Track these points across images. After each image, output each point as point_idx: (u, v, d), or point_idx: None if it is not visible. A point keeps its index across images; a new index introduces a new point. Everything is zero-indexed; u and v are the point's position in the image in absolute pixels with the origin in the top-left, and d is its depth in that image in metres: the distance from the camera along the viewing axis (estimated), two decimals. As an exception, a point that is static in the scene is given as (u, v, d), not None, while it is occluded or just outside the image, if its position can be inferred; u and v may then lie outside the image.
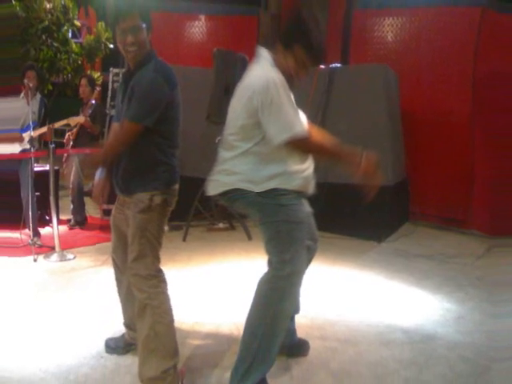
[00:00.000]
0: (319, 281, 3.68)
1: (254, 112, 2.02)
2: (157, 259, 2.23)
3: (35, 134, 4.51)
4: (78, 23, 8.28)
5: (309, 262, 2.30)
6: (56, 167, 4.96)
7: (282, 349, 2.24)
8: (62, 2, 7.89)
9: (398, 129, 5.84)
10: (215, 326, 2.89)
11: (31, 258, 4.13)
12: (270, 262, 2.11)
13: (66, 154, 5.46)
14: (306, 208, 2.24)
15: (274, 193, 2.06)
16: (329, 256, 4.33)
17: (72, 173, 5.31)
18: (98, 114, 5.38)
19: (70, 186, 5.42)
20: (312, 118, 2.50)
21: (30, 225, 4.48)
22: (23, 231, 4.57)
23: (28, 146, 4.43)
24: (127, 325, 2.57)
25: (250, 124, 2.04)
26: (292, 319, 2.44)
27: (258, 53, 2.18)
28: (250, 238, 4.52)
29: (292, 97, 2.12)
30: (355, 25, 6.74)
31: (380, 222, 5.15)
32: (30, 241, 4.39)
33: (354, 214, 4.96)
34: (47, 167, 4.90)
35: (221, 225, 5.06)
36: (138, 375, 2.18)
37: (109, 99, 6.37)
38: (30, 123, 4.37)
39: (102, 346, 2.60)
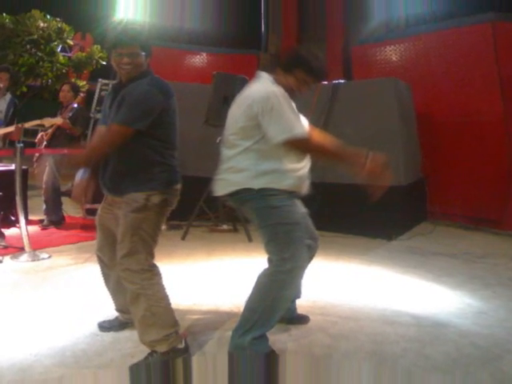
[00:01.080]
0: (322, 274, 4.38)
1: (253, 116, 2.63)
2: (150, 255, 2.74)
3: (0, 132, 5.30)
4: (70, 42, 9.85)
5: (310, 259, 2.98)
6: (24, 167, 5.82)
7: (281, 320, 2.97)
8: (59, 25, 9.41)
9: (412, 132, 7.13)
10: (214, 306, 3.61)
11: None
12: (270, 260, 2.75)
13: (37, 154, 6.35)
14: (301, 209, 2.92)
15: (263, 193, 2.66)
16: (331, 253, 5.09)
17: (45, 172, 6.17)
18: (80, 117, 6.41)
19: (43, 185, 6.27)
20: (314, 123, 3.19)
21: None
22: None
23: None
24: (120, 310, 3.19)
25: (250, 126, 2.65)
26: (293, 301, 3.17)
27: (258, 74, 2.88)
28: (250, 239, 5.36)
29: (293, 105, 2.78)
30: (354, 56, 8.33)
31: (389, 221, 6.09)
32: None
33: (358, 213, 5.88)
34: (12, 166, 5.69)
35: (224, 226, 6.01)
36: (139, 341, 2.76)
37: (94, 104, 7.66)
38: None
39: (94, 328, 3.19)
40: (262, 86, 2.71)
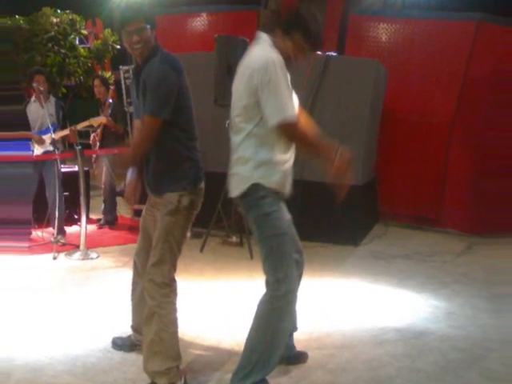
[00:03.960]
0: (311, 295, 3.11)
1: (254, 90, 1.75)
2: (173, 268, 1.94)
3: (57, 136, 3.99)
4: (85, 32, 7.52)
5: (299, 277, 2.00)
6: (86, 168, 4.45)
7: (281, 360, 1.94)
8: (70, 17, 7.21)
9: (375, 128, 5.01)
10: (217, 341, 2.48)
11: (52, 255, 3.65)
12: (267, 283, 1.86)
13: (94, 155, 4.85)
14: (286, 215, 1.90)
15: (256, 195, 1.77)
16: (315, 268, 3.68)
17: (103, 173, 4.72)
18: (118, 113, 4.69)
19: (102, 186, 4.72)
20: (303, 101, 2.18)
21: (56, 223, 3.87)
22: (47, 229, 4.10)
23: (51, 148, 3.91)
24: (134, 328, 2.23)
25: (251, 104, 1.77)
26: (290, 335, 2.11)
27: (258, 36, 1.89)
28: (252, 256, 3.96)
29: (288, 77, 1.83)
30: (351, 25, 6.01)
31: (353, 224, 4.46)
32: (52, 239, 3.82)
33: (329, 216, 4.24)
34: (76, 168, 4.33)
35: (234, 238, 4.41)
36: (143, 368, 1.91)
37: (124, 96, 5.58)
38: (50, 126, 3.80)
39: (109, 342, 2.28)
40: (262, 52, 1.80)
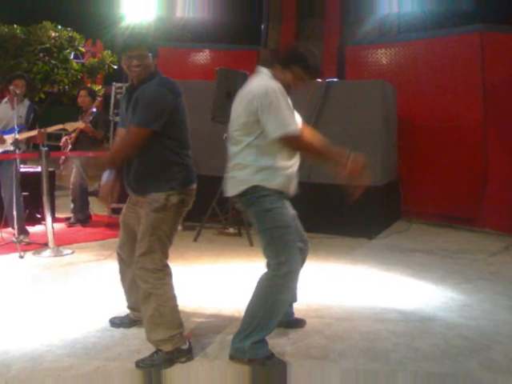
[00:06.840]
0: (314, 275, 3.98)
1: (254, 112, 2.40)
2: (165, 256, 2.52)
3: (22, 136, 4.93)
4: (82, 49, 9.19)
5: (303, 262, 2.71)
6: (51, 169, 5.46)
7: (279, 324, 2.67)
8: (70, 34, 8.80)
9: (392, 134, 6.60)
10: (217, 309, 3.27)
11: (17, 255, 4.43)
12: (268, 265, 2.51)
13: (63, 157, 6.01)
14: (290, 211, 2.62)
15: (257, 194, 2.43)
16: (320, 254, 4.64)
17: (72, 174, 5.82)
18: (101, 121, 6.01)
19: (71, 186, 5.93)
20: (306, 120, 2.91)
21: (15, 223, 4.73)
22: (5, 230, 4.92)
23: (11, 148, 4.85)
24: (131, 307, 2.91)
25: (251, 121, 2.42)
26: (290, 305, 2.86)
27: (258, 70, 2.60)
28: (251, 244, 4.96)
29: (289, 100, 2.47)
30: (349, 56, 7.69)
31: (369, 220, 5.63)
32: (14, 239, 4.69)
33: (340, 213, 5.40)
34: (38, 168, 5.34)
35: (231, 230, 5.50)
36: (146, 339, 2.53)
37: (112, 107, 7.05)
38: (15, 126, 4.74)
39: (106, 323, 2.93)
40: (262, 81, 2.48)
